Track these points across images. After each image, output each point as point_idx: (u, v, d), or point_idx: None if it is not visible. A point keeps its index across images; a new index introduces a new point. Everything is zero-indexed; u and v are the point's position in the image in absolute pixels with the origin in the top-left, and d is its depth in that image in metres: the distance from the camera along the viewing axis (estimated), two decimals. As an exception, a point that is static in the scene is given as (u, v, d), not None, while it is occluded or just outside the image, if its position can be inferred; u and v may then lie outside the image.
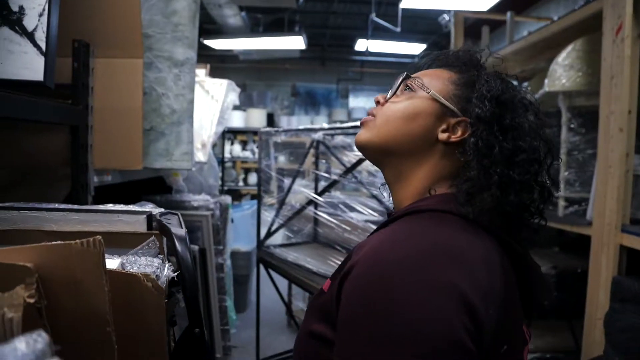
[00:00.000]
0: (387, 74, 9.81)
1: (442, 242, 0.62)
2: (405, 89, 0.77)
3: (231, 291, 3.07)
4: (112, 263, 0.59)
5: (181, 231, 0.73)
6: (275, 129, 2.47)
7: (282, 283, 2.69)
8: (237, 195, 6.66)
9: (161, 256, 0.69)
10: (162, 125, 1.91)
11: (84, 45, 1.29)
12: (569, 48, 2.27)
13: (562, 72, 2.25)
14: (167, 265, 0.66)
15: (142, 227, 0.96)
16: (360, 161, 1.98)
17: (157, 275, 0.60)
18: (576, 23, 2.30)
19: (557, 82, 2.27)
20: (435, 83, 0.75)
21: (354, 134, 2.17)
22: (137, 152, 1.67)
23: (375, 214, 2.31)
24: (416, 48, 7.16)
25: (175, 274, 0.65)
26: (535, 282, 0.71)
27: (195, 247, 2.34)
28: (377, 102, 0.80)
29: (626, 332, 1.95)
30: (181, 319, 0.77)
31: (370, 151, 0.79)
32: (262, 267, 2.70)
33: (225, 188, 6.05)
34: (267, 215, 2.81)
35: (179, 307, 0.77)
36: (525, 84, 3.55)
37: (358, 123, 1.91)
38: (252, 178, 6.80)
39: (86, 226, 0.92)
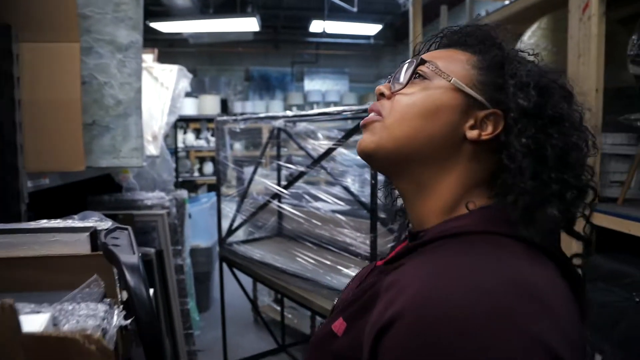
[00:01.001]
0: (343, 55, 9.70)
1: (515, 277, 0.47)
2: (416, 77, 0.62)
3: (192, 291, 2.91)
4: (39, 320, 0.43)
5: (132, 258, 0.58)
6: (234, 117, 2.30)
7: (246, 278, 2.54)
8: (192, 187, 6.40)
9: (108, 300, 0.54)
10: (106, 118, 1.71)
11: (4, 27, 1.08)
12: (534, 27, 2.22)
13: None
14: (116, 311, 0.51)
15: (84, 248, 0.80)
16: (329, 151, 1.85)
17: (103, 329, 0.46)
18: (540, 1, 2.24)
19: (523, 62, 2.21)
20: (453, 68, 0.61)
21: (318, 120, 2.04)
22: (78, 150, 1.47)
23: (341, 202, 2.21)
24: (372, 29, 7.06)
25: (129, 321, 0.51)
26: (586, 303, 0.60)
27: (152, 250, 2.15)
28: (381, 95, 0.64)
29: (596, 309, 1.96)
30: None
31: (380, 160, 0.63)
32: (225, 265, 2.55)
33: (180, 179, 5.79)
34: (228, 210, 2.64)
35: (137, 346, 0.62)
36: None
37: (321, 110, 1.78)
38: (208, 168, 6.55)
39: (13, 251, 0.75)
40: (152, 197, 2.22)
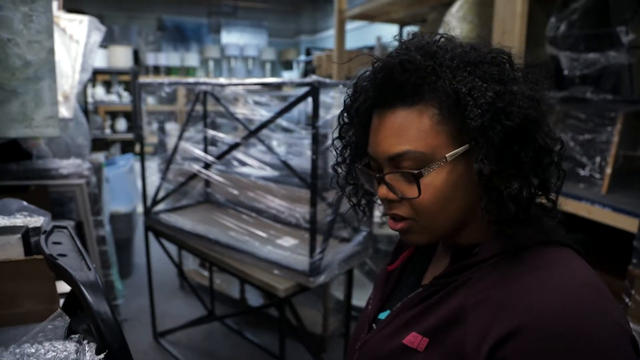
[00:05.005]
0: (262, 9, 9.33)
1: (588, 280, 0.55)
2: (404, 174, 0.61)
3: (114, 259, 2.77)
4: None
5: (90, 275, 0.53)
6: (160, 81, 2.13)
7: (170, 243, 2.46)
8: (103, 144, 5.96)
9: (75, 336, 0.48)
10: (12, 81, 1.51)
11: None
12: (462, 0, 2.28)
13: (456, 24, 2.26)
14: (86, 345, 0.46)
15: (17, 251, 0.72)
16: (263, 125, 1.80)
17: (77, 372, 0.42)
18: (468, -27, 2.29)
19: (451, 33, 2.28)
20: (433, 142, 0.58)
21: (256, 91, 1.97)
22: (-17, 120, 1.29)
23: (267, 168, 2.18)
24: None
25: (101, 355, 0.46)
26: None
27: (71, 223, 2.00)
28: (389, 200, 0.64)
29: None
30: None
31: (429, 244, 0.69)
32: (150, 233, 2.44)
33: (90, 137, 5.36)
34: (149, 171, 2.50)
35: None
36: (410, 28, 3.58)
37: (259, 80, 1.72)
38: (121, 124, 6.13)
39: None
40: (67, 165, 2.04)
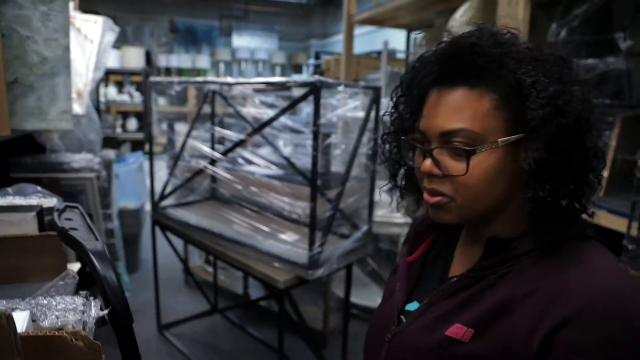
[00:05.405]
0: (273, 13, 9.44)
1: (627, 273, 0.60)
2: (456, 148, 0.62)
3: (122, 253, 2.84)
4: (18, 318, 0.43)
5: (98, 245, 0.59)
6: (169, 79, 2.20)
7: (177, 238, 2.51)
8: (114, 143, 6.07)
9: (83, 292, 0.54)
10: (30, 76, 1.58)
11: None
12: (466, 5, 2.32)
13: (460, 29, 2.30)
14: (92, 302, 0.52)
15: (31, 228, 0.78)
16: (267, 123, 1.86)
17: (84, 322, 0.47)
18: (473, -21, 2.34)
19: (454, 38, 2.32)
20: (489, 124, 0.61)
21: (262, 90, 2.03)
22: (2, 112, 1.36)
23: (273, 167, 2.23)
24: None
25: (105, 311, 0.52)
26: None
27: (80, 215, 2.07)
28: (431, 174, 0.65)
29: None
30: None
31: (462, 224, 0.74)
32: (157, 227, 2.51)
33: (102, 135, 5.46)
34: (157, 169, 2.56)
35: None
36: (417, 33, 3.63)
37: (264, 79, 1.78)
38: (132, 124, 6.23)
39: (-46, 232, 0.72)
40: (79, 159, 2.11)
